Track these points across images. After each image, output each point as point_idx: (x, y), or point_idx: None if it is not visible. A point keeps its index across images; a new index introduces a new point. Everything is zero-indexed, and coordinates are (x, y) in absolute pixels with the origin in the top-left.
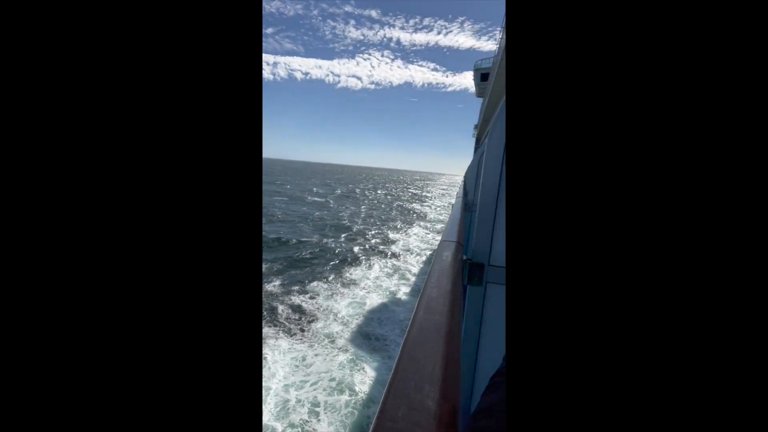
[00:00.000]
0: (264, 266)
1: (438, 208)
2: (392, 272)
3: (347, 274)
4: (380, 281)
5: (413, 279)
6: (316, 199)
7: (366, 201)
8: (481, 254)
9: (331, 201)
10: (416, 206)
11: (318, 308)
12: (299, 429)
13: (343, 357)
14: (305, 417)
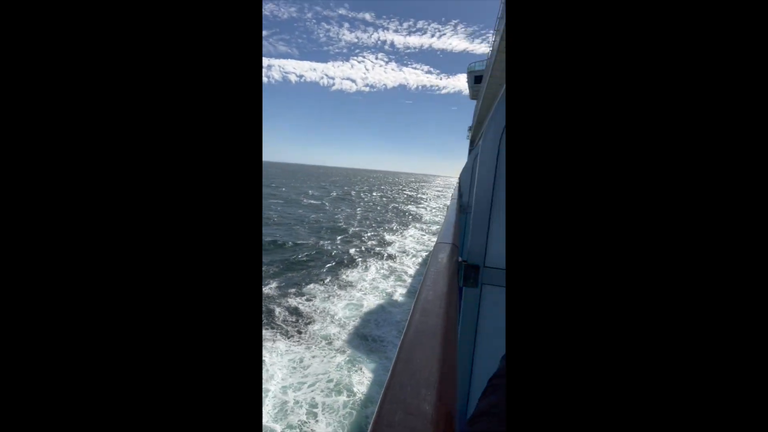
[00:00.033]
0: None
1: (433, 210)
2: (388, 274)
3: (344, 276)
4: (377, 283)
5: (409, 280)
6: (311, 201)
7: (361, 203)
8: (477, 256)
9: (327, 203)
10: (411, 208)
11: (315, 310)
12: (298, 430)
13: (340, 358)
14: (303, 418)
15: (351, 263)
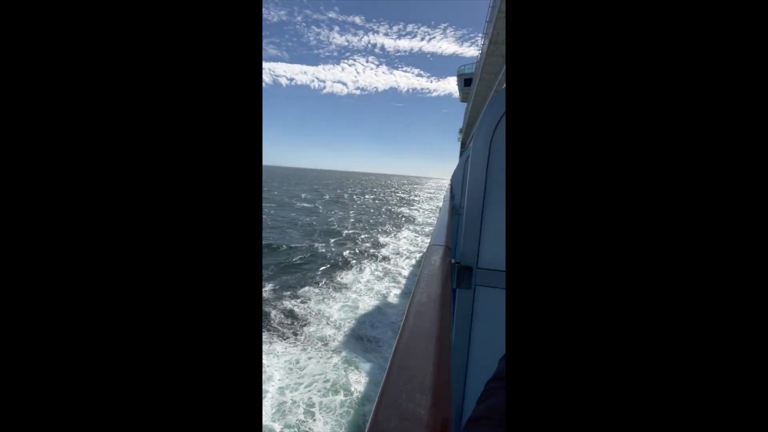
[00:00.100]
0: None
1: (426, 212)
2: (383, 275)
3: (338, 279)
4: (371, 284)
5: (404, 281)
6: (304, 204)
7: (354, 206)
8: (470, 257)
9: (320, 206)
10: (404, 210)
11: (310, 312)
12: (296, 429)
13: (336, 359)
14: (301, 417)
15: (345, 265)
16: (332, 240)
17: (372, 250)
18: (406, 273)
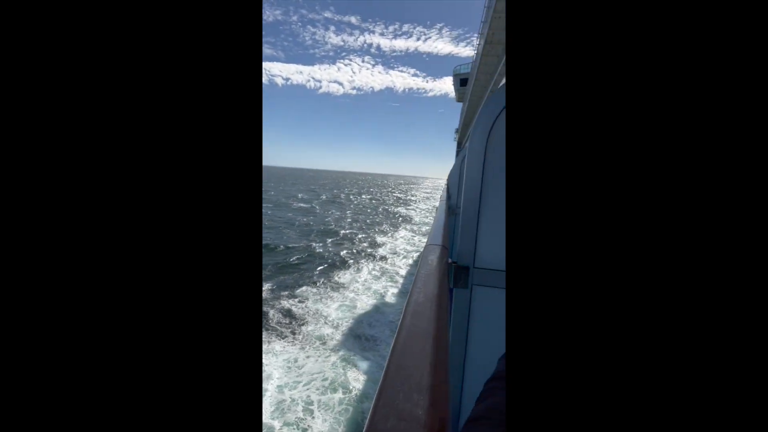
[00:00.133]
0: None
1: (423, 211)
2: (380, 275)
3: (336, 278)
4: (369, 284)
5: (401, 281)
6: (301, 204)
7: (351, 206)
8: (466, 257)
9: (317, 206)
10: (401, 210)
11: (308, 312)
12: (295, 426)
13: (334, 357)
14: (300, 415)
15: (343, 265)
16: (329, 240)
17: (369, 250)
18: (403, 272)
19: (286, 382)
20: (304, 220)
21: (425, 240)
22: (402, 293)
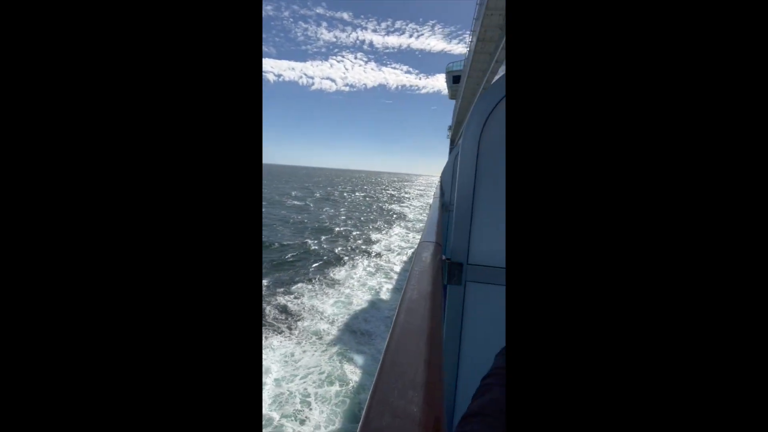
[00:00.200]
0: None
1: (416, 209)
2: (375, 271)
3: (331, 275)
4: (364, 280)
5: (396, 277)
6: (295, 202)
7: (345, 203)
8: (460, 253)
9: (311, 204)
10: (395, 207)
11: (304, 308)
12: (293, 417)
13: (331, 351)
14: (298, 407)
15: (338, 262)
16: (324, 237)
17: (364, 247)
18: (397, 269)
19: (284, 376)
20: (299, 217)
21: (419, 237)
22: (397, 289)
